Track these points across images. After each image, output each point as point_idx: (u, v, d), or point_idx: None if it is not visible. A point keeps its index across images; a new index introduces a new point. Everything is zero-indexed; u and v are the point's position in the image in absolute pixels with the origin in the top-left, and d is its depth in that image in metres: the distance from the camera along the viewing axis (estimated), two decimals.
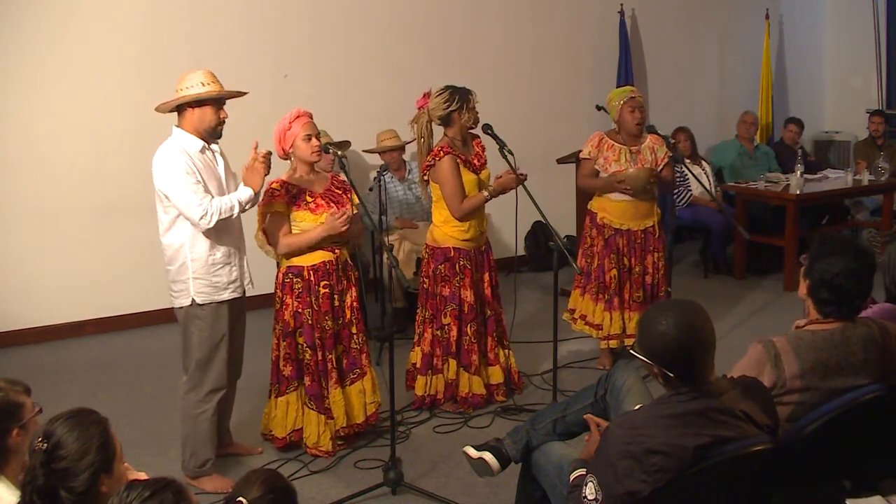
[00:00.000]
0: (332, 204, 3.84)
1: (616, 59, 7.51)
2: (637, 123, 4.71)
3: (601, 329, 4.82)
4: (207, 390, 3.62)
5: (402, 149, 5.88)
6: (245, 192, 3.51)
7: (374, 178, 5.20)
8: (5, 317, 5.50)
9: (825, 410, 2.42)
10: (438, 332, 4.33)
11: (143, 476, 2.11)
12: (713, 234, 6.90)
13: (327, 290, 3.83)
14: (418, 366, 4.41)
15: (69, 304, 5.67)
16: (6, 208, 5.44)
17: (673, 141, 5.81)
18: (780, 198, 6.58)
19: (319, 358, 3.86)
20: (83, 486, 1.97)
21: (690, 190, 7.00)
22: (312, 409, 3.87)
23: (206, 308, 3.57)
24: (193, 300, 3.54)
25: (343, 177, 3.91)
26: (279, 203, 3.78)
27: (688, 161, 6.54)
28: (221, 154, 3.67)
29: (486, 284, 4.40)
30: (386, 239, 5.41)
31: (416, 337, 4.44)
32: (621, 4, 7.49)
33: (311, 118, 3.81)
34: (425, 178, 4.33)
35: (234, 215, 3.50)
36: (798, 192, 6.51)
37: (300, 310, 3.82)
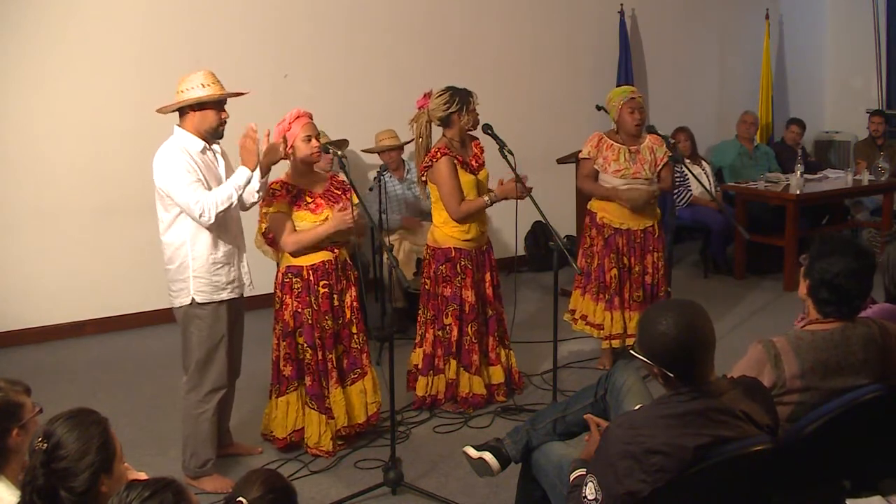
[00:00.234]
0: (332, 204, 3.84)
1: (616, 59, 7.51)
2: (636, 124, 4.71)
3: (602, 329, 4.82)
4: (207, 390, 3.62)
5: (400, 148, 5.88)
6: (241, 175, 3.48)
7: (374, 178, 5.20)
8: (5, 317, 5.50)
9: (825, 410, 2.43)
10: (440, 333, 4.33)
11: (143, 476, 2.11)
12: (713, 234, 6.90)
13: (327, 290, 3.83)
14: (420, 367, 4.41)
15: (69, 304, 5.67)
16: (6, 208, 5.44)
17: (673, 141, 5.81)
18: (780, 198, 6.58)
19: (320, 358, 3.86)
20: (83, 486, 1.98)
21: (690, 190, 7.00)
22: (313, 408, 3.87)
23: (206, 308, 3.56)
24: (193, 299, 3.54)
25: (342, 177, 3.91)
26: (281, 203, 3.78)
27: (688, 161, 6.54)
28: (223, 155, 3.68)
29: (487, 284, 4.40)
30: (386, 239, 5.41)
31: (418, 338, 4.44)
32: (621, 4, 7.49)
33: (311, 119, 3.81)
34: (423, 178, 4.33)
35: (235, 203, 3.48)
36: (798, 192, 6.52)
37: (300, 309, 3.82)
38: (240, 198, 3.50)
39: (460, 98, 4.22)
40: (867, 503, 2.54)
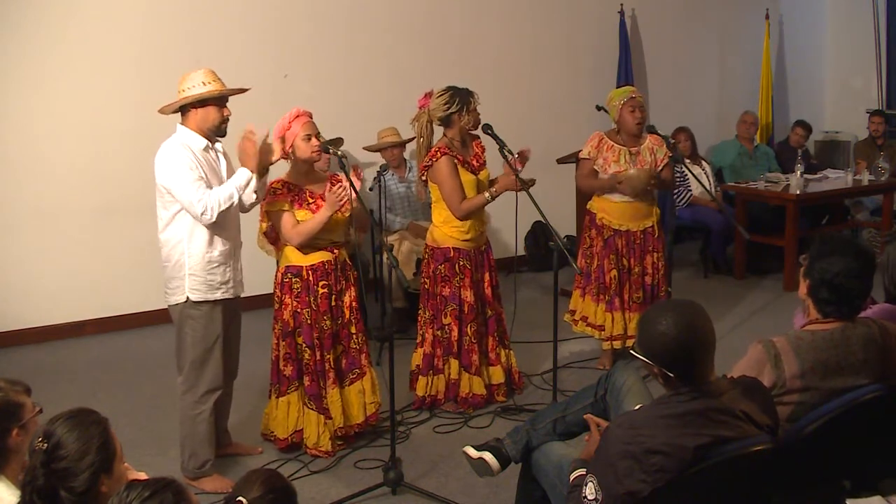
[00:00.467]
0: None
1: (616, 59, 7.51)
2: (637, 123, 4.71)
3: (603, 330, 4.82)
4: (203, 391, 3.62)
5: (402, 146, 5.88)
6: (241, 175, 3.49)
7: (374, 177, 5.20)
8: (5, 317, 5.49)
9: (825, 410, 2.43)
10: (439, 333, 4.33)
11: (143, 476, 2.11)
12: (713, 234, 6.90)
13: (326, 290, 3.83)
14: (420, 367, 4.41)
15: (69, 304, 5.67)
16: (6, 208, 5.44)
17: (673, 141, 5.80)
18: (780, 198, 6.58)
19: (318, 358, 3.86)
20: (83, 486, 1.98)
21: (690, 190, 7.00)
22: (312, 409, 3.87)
23: (201, 308, 3.56)
24: (188, 297, 3.54)
25: (342, 177, 3.90)
26: (282, 201, 3.78)
27: (688, 161, 6.54)
28: (224, 154, 3.68)
29: (486, 284, 4.40)
30: (386, 239, 5.41)
31: (419, 338, 4.44)
32: (621, 4, 7.50)
33: (311, 118, 3.81)
34: (423, 178, 4.33)
35: (235, 203, 3.48)
36: (798, 192, 6.52)
37: (299, 309, 3.82)
38: (240, 198, 3.50)
39: (461, 98, 4.22)
40: (867, 503, 2.54)
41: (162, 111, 3.58)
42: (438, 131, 4.34)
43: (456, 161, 4.23)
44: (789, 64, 9.04)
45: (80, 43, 5.49)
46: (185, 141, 3.50)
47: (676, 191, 6.87)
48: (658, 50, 7.96)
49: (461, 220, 4.25)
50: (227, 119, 3.58)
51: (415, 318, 4.61)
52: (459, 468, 3.75)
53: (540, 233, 7.06)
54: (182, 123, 3.55)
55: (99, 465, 2.00)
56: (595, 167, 4.78)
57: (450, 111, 4.22)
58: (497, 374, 4.46)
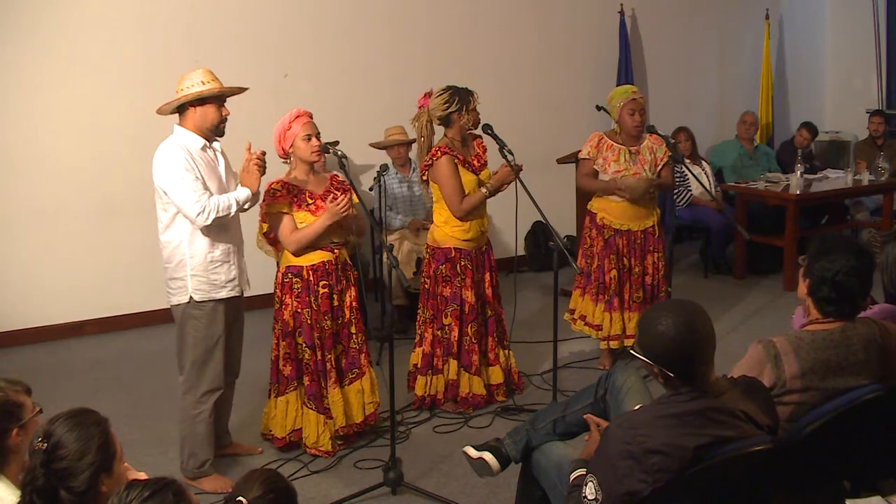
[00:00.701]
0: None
1: (616, 59, 7.51)
2: (636, 126, 4.70)
3: (601, 330, 4.82)
4: (204, 391, 3.62)
5: (408, 145, 5.88)
6: (243, 193, 3.52)
7: (374, 177, 5.20)
8: (5, 317, 5.50)
9: (825, 410, 2.43)
10: (439, 333, 4.33)
11: (143, 476, 2.11)
12: (713, 234, 6.90)
13: (326, 290, 3.83)
14: (419, 366, 4.41)
15: (69, 304, 5.67)
16: (6, 208, 5.45)
17: (673, 141, 5.81)
18: (780, 198, 6.58)
19: (318, 358, 3.86)
20: (83, 486, 1.98)
21: (690, 190, 7.00)
22: (312, 408, 3.87)
23: (203, 307, 3.57)
24: (191, 297, 3.54)
25: (342, 177, 3.91)
26: (282, 203, 3.78)
27: (688, 161, 6.54)
28: (223, 153, 3.68)
29: (486, 284, 4.40)
30: (386, 238, 5.41)
31: (417, 338, 4.44)
32: (621, 4, 7.50)
33: (311, 118, 3.81)
34: (424, 177, 4.33)
35: (232, 214, 3.50)
36: (798, 192, 6.52)
37: (299, 310, 3.82)
38: (237, 211, 3.52)
39: (460, 98, 4.22)
40: (867, 503, 2.54)
41: (160, 111, 3.57)
42: (439, 131, 4.34)
43: (456, 161, 4.23)
44: (789, 64, 9.04)
45: (80, 42, 5.49)
46: (182, 142, 3.50)
47: (676, 191, 6.87)
48: (658, 50, 7.96)
49: (461, 220, 4.25)
50: (226, 119, 3.57)
51: (414, 316, 4.61)
52: (459, 468, 3.75)
53: (540, 233, 7.06)
54: (179, 124, 3.55)
55: (99, 465, 2.00)
56: (595, 167, 4.78)
57: (449, 110, 4.22)
58: (496, 375, 4.46)
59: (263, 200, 3.76)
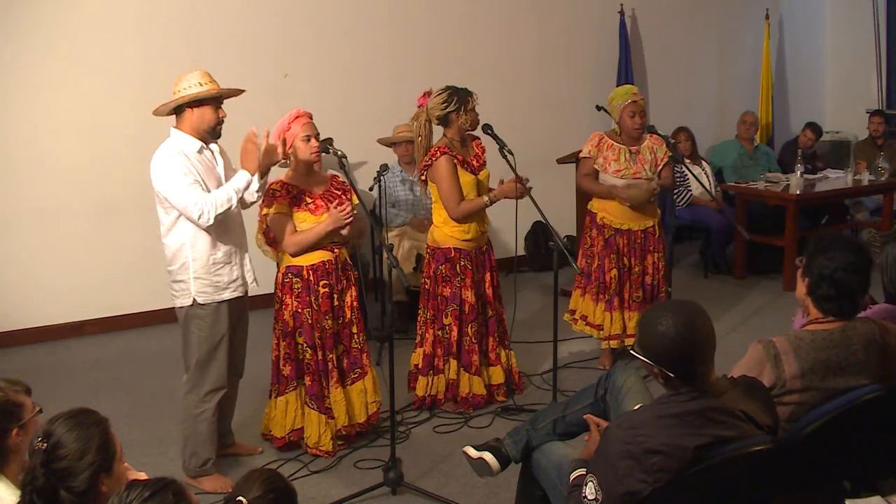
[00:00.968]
0: (332, 204, 3.84)
1: (616, 59, 7.51)
2: (637, 128, 4.70)
3: (602, 329, 4.82)
4: (207, 390, 3.62)
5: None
6: (241, 178, 3.48)
7: (374, 177, 5.21)
8: (5, 317, 5.50)
9: (825, 410, 2.43)
10: (440, 333, 4.33)
11: (143, 476, 2.11)
12: (713, 234, 6.90)
13: (327, 290, 3.83)
14: (420, 366, 4.41)
15: (69, 304, 5.67)
16: (6, 208, 5.45)
17: (673, 141, 5.81)
18: (780, 198, 6.58)
19: (320, 358, 3.86)
20: (83, 486, 1.98)
21: (690, 190, 7.00)
22: (313, 408, 3.87)
23: (207, 308, 3.57)
24: (195, 300, 3.54)
25: (342, 177, 3.91)
26: (281, 203, 3.78)
27: (688, 161, 6.54)
28: (222, 153, 3.67)
29: (487, 284, 4.40)
30: (386, 236, 5.41)
31: (418, 338, 4.44)
32: (621, 4, 7.49)
33: (311, 118, 3.80)
34: (423, 177, 4.33)
35: (234, 205, 3.48)
36: (798, 192, 6.52)
37: (300, 309, 3.82)
38: (239, 200, 3.50)
39: (459, 97, 4.22)
40: (867, 503, 2.54)
41: (157, 112, 3.55)
42: (438, 131, 4.34)
43: (455, 161, 4.22)
44: (789, 64, 9.04)
45: (80, 42, 5.49)
46: (179, 145, 3.48)
47: (676, 191, 6.87)
48: (658, 50, 7.96)
49: (457, 222, 4.24)
50: (223, 121, 3.56)
51: (415, 316, 4.61)
52: (459, 468, 3.75)
53: (540, 233, 7.06)
54: (176, 126, 3.53)
55: (99, 465, 2.00)
56: (595, 166, 4.78)
57: (448, 110, 4.21)
58: (497, 375, 4.46)
59: (263, 201, 3.76)
